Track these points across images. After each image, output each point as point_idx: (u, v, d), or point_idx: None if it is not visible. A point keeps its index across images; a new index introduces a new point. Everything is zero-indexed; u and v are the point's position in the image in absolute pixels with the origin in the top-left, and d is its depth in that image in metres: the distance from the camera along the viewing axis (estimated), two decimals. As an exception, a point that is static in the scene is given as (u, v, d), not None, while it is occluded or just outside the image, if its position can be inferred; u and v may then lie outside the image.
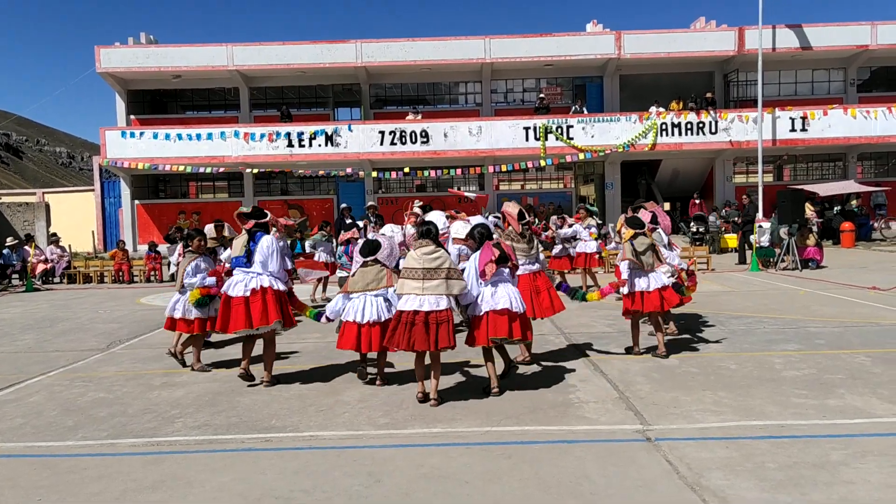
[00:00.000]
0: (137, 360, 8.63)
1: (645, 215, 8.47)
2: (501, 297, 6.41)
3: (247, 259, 7.05)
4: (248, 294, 6.87)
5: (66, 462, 4.97)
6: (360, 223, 13.41)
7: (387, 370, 7.16)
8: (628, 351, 8.08)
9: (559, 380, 6.91)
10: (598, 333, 9.40)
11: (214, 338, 9.21)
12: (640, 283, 7.75)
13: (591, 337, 9.16)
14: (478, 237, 6.71)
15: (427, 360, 6.38)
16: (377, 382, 6.94)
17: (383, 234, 8.36)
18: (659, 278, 7.79)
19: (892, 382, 6.36)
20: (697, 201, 26.45)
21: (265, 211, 7.49)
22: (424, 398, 6.23)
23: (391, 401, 6.33)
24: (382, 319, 6.70)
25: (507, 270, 6.63)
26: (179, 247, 8.95)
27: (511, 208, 7.86)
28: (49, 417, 6.13)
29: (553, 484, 4.29)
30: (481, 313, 6.44)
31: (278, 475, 4.59)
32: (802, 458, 4.57)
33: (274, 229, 7.32)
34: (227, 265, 7.72)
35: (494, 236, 7.04)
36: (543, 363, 7.68)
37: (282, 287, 7.08)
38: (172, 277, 19.48)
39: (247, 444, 5.28)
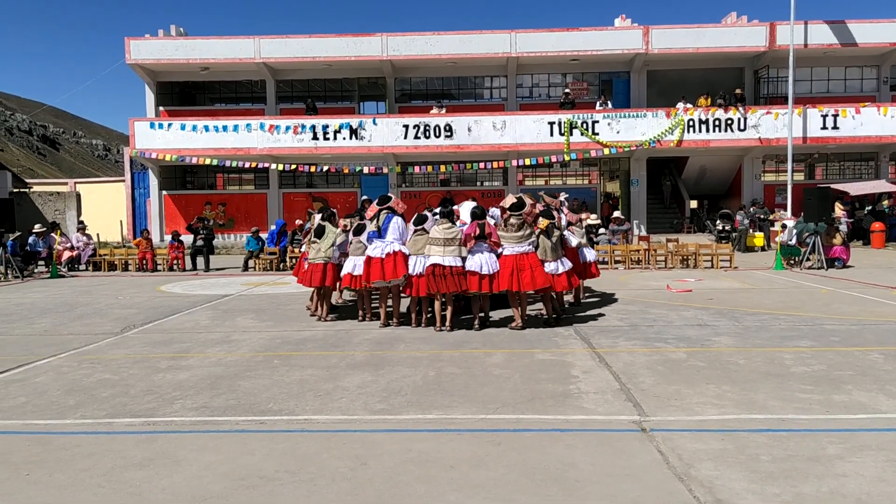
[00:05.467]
0: (148, 343, 8.72)
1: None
2: (474, 262, 9.07)
3: (378, 233, 9.66)
4: (383, 256, 9.43)
5: (61, 439, 5.02)
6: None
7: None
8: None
9: (562, 371, 6.84)
10: (610, 327, 9.31)
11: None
12: (549, 267, 9.39)
13: (601, 330, 9.08)
14: (471, 216, 9.41)
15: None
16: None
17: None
18: (565, 264, 9.64)
19: (902, 380, 6.19)
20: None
21: (390, 196, 10.17)
22: (440, 329, 9.20)
23: (391, 388, 6.31)
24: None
25: (485, 244, 9.13)
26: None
27: (506, 201, 9.63)
28: (52, 397, 6.21)
29: (539, 470, 4.24)
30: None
31: (266, 456, 4.59)
32: (798, 451, 4.46)
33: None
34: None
35: (489, 220, 9.48)
36: (549, 354, 7.61)
37: (406, 251, 9.51)
38: (195, 266, 19.79)
39: (240, 425, 5.29)
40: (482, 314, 9.59)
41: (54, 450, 4.79)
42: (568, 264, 9.75)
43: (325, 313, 10.38)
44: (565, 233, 10.51)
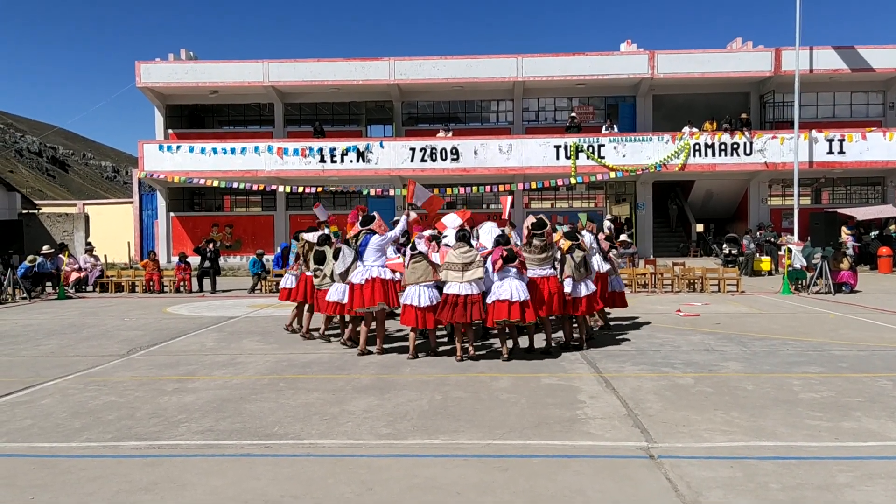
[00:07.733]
0: (154, 366, 8.72)
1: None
2: (504, 289, 8.53)
3: (356, 256, 9.40)
4: (363, 282, 9.08)
5: (66, 462, 5.01)
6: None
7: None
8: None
9: (569, 396, 6.80)
10: (616, 351, 9.27)
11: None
12: (581, 290, 9.32)
13: (607, 354, 9.04)
14: (494, 242, 9.02)
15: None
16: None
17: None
18: (588, 287, 9.45)
19: (912, 407, 6.14)
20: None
21: (374, 216, 9.61)
22: (462, 359, 8.67)
23: (397, 412, 6.29)
24: (434, 303, 8.79)
25: (513, 269, 8.63)
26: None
27: (527, 221, 9.32)
28: (57, 419, 6.20)
29: (546, 497, 4.21)
30: (490, 302, 8.61)
31: (271, 480, 4.57)
32: (808, 479, 4.42)
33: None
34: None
35: (513, 242, 9.21)
36: (555, 379, 7.58)
37: (388, 276, 9.20)
38: (201, 288, 19.80)
39: (246, 449, 5.27)
40: (510, 343, 9.14)
41: (59, 473, 4.78)
42: (592, 287, 9.51)
43: (306, 329, 10.80)
44: (595, 261, 10.28)
